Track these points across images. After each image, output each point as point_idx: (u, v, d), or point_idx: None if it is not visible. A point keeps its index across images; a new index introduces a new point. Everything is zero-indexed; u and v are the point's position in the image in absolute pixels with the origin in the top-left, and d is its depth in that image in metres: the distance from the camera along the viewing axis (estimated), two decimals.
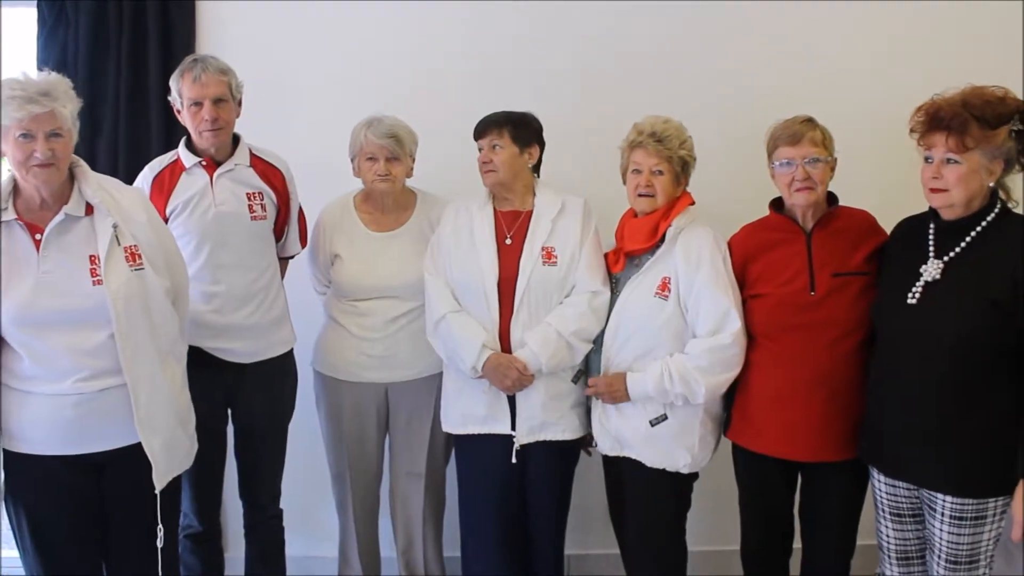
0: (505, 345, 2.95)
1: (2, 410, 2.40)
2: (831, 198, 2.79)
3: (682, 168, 2.87)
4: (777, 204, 2.84)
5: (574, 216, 3.01)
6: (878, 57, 3.58)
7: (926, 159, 2.50)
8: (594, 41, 3.60)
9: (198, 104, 2.95)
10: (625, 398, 2.84)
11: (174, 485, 2.64)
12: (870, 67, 3.57)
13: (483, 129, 3.02)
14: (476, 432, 3.03)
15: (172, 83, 3.00)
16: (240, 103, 3.06)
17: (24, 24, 3.52)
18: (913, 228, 2.63)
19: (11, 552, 3.99)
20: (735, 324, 2.75)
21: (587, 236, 3.00)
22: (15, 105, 2.31)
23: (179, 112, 3.02)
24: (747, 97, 3.54)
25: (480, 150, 3.02)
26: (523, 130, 3.02)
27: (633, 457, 2.88)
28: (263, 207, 3.07)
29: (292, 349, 3.24)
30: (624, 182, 2.94)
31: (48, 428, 2.42)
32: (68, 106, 2.41)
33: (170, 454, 2.57)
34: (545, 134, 3.09)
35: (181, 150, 3.05)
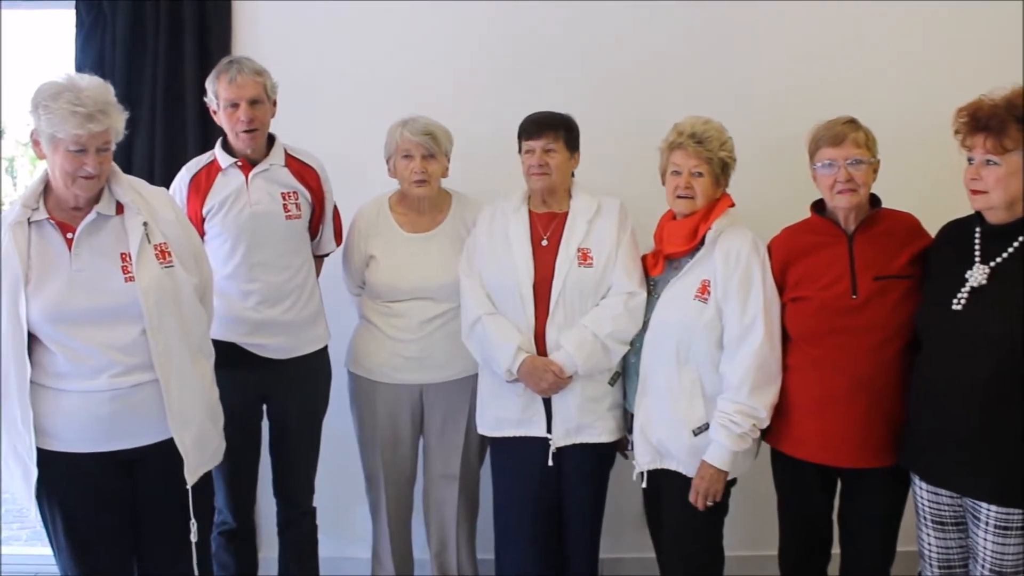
0: (541, 347, 2.93)
1: (36, 408, 2.42)
2: (874, 200, 2.75)
3: (722, 170, 2.83)
4: (819, 206, 2.80)
5: (610, 217, 2.99)
6: (913, 58, 3.53)
7: (969, 160, 2.47)
8: (627, 42, 3.57)
9: (234, 105, 2.97)
10: (724, 476, 2.77)
11: (205, 481, 2.66)
12: (907, 68, 3.53)
13: (538, 132, 2.97)
14: (511, 435, 3.02)
15: (208, 84, 3.03)
16: (275, 103, 3.08)
17: (56, 25, 3.55)
18: (958, 232, 2.59)
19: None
20: (757, 337, 2.71)
21: (623, 237, 2.97)
22: (76, 122, 2.32)
23: (215, 113, 3.05)
24: (782, 98, 3.51)
25: (530, 152, 2.97)
26: (572, 135, 3.01)
27: (673, 469, 2.84)
28: (298, 206, 3.09)
29: (326, 346, 3.26)
30: (663, 183, 2.90)
31: (82, 425, 2.44)
32: (120, 121, 2.45)
33: (201, 449, 2.59)
34: (581, 136, 3.06)
35: (217, 151, 3.08)
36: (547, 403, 2.97)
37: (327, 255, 3.35)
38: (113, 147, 2.45)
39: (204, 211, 3.02)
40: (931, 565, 2.63)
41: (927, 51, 3.53)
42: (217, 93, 2.99)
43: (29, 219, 2.44)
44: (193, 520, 2.57)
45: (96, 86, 2.40)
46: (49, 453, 2.44)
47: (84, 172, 2.39)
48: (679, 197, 2.82)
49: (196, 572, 2.61)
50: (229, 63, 3.01)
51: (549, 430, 2.97)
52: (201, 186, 3.04)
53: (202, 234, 2.99)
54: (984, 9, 3.50)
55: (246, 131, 2.97)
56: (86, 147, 2.36)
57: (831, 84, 3.47)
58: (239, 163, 3.04)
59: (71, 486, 2.48)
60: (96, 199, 2.48)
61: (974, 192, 2.46)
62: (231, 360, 2.88)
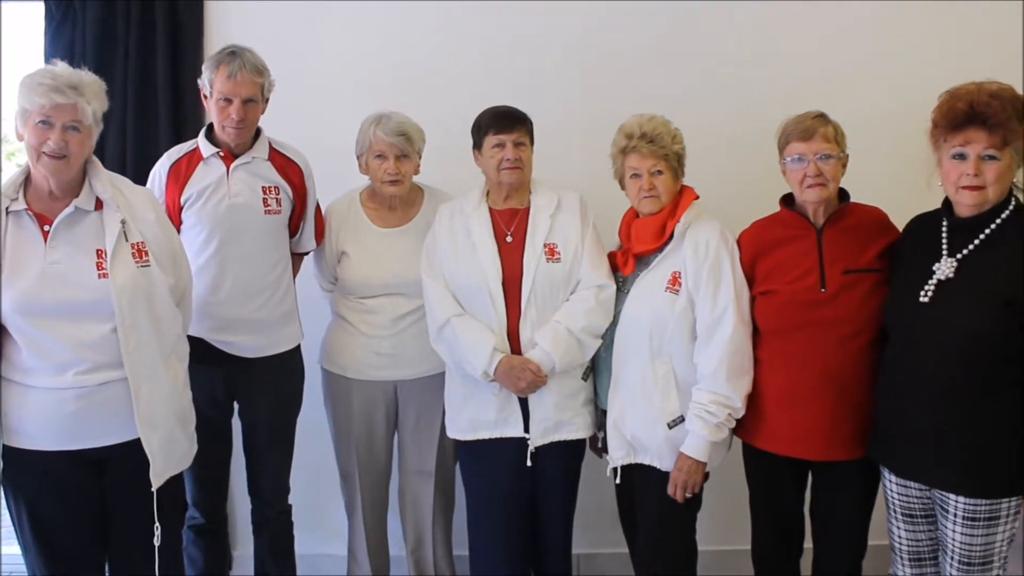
0: (514, 346, 2.91)
1: (2, 404, 2.41)
2: (843, 194, 2.75)
3: (678, 162, 2.84)
4: (788, 200, 2.80)
5: (572, 211, 2.97)
6: (884, 53, 3.55)
7: (954, 155, 2.42)
8: (592, 37, 3.58)
9: (227, 100, 2.92)
10: (702, 467, 2.78)
11: (175, 482, 2.65)
12: (877, 63, 3.55)
13: (510, 125, 2.93)
14: (487, 437, 2.98)
15: (205, 70, 2.97)
16: (267, 101, 3.04)
17: (28, 19, 3.53)
18: (925, 226, 2.59)
19: (11, 549, 4.03)
20: (728, 326, 2.71)
21: (587, 230, 2.96)
22: (40, 91, 2.35)
23: (206, 99, 3.00)
24: (750, 92, 3.53)
25: (500, 146, 2.92)
26: (532, 129, 2.99)
27: (647, 463, 2.84)
28: (278, 201, 3.06)
29: (299, 345, 3.23)
30: (622, 187, 2.91)
31: (48, 423, 2.43)
32: (93, 103, 2.44)
33: (168, 452, 2.57)
34: (543, 131, 3.05)
35: (200, 139, 3.04)
36: (523, 402, 2.95)
37: (307, 253, 3.31)
38: (87, 130, 2.44)
39: (182, 200, 2.98)
40: (901, 558, 2.64)
41: (898, 46, 3.54)
42: (212, 82, 2.93)
43: (7, 209, 2.43)
44: (157, 524, 2.55)
45: (83, 73, 2.44)
46: (16, 451, 2.43)
47: (48, 148, 2.38)
48: (644, 198, 2.82)
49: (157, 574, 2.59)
50: (232, 55, 2.92)
51: (526, 429, 2.95)
52: (181, 174, 3.00)
53: (178, 224, 2.97)
54: (951, 4, 3.53)
55: (234, 127, 2.94)
56: (51, 120, 2.37)
57: (800, 78, 3.48)
58: (221, 153, 3.00)
59: (37, 484, 2.47)
60: (75, 192, 2.48)
61: (967, 188, 2.40)
62: (199, 355, 2.83)
